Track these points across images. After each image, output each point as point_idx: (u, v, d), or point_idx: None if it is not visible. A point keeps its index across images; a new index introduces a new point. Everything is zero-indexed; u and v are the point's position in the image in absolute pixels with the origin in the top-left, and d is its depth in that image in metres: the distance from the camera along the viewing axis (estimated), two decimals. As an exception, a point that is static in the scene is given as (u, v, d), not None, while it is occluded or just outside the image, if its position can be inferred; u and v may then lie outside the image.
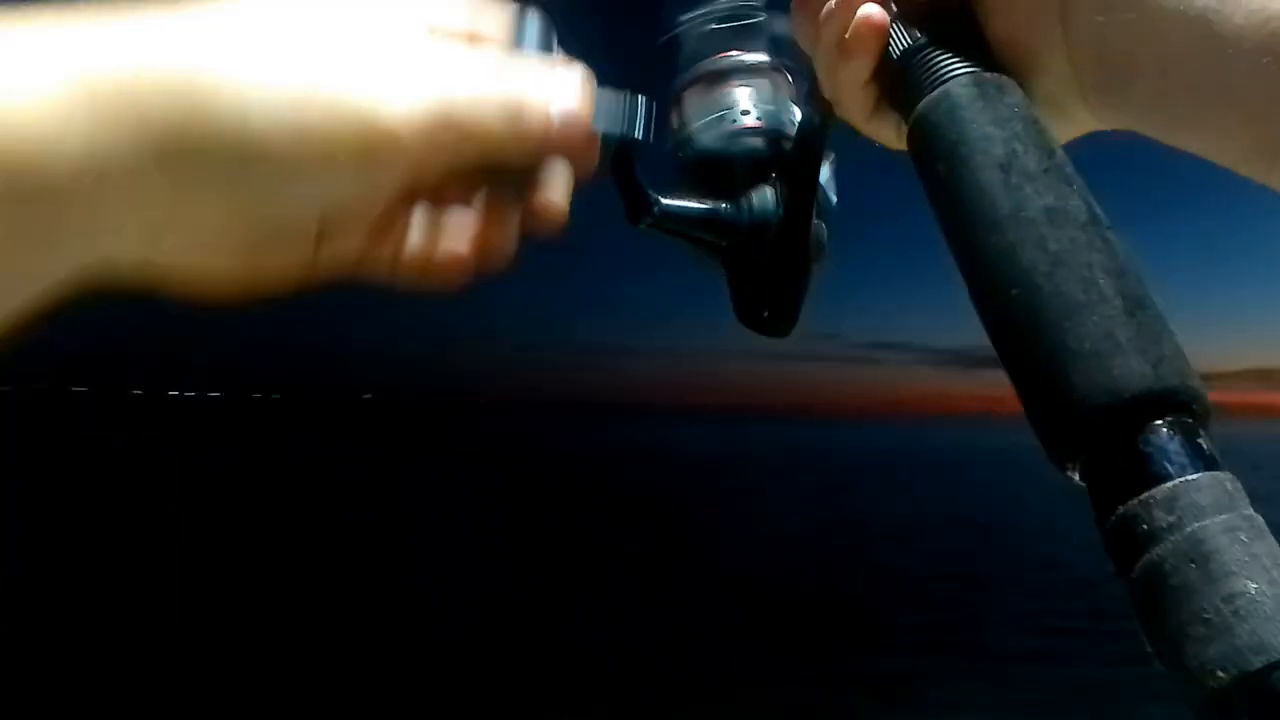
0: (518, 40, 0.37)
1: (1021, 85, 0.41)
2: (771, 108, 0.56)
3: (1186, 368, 0.31)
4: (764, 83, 0.57)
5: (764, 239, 0.52)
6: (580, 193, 0.38)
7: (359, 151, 0.32)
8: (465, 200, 0.37)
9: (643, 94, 0.40)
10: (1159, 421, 0.29)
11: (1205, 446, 0.29)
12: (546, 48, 0.37)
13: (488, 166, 0.36)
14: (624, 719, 5.40)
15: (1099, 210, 0.34)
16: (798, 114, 0.56)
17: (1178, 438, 0.29)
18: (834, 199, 0.56)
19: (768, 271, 0.53)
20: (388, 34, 0.34)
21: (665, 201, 0.52)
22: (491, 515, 13.69)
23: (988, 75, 0.39)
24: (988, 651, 6.54)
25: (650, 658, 6.38)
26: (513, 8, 0.37)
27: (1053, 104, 0.43)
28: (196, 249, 0.33)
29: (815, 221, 0.53)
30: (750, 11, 0.55)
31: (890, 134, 0.45)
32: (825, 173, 0.55)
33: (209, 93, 0.30)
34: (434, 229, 0.36)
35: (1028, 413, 0.33)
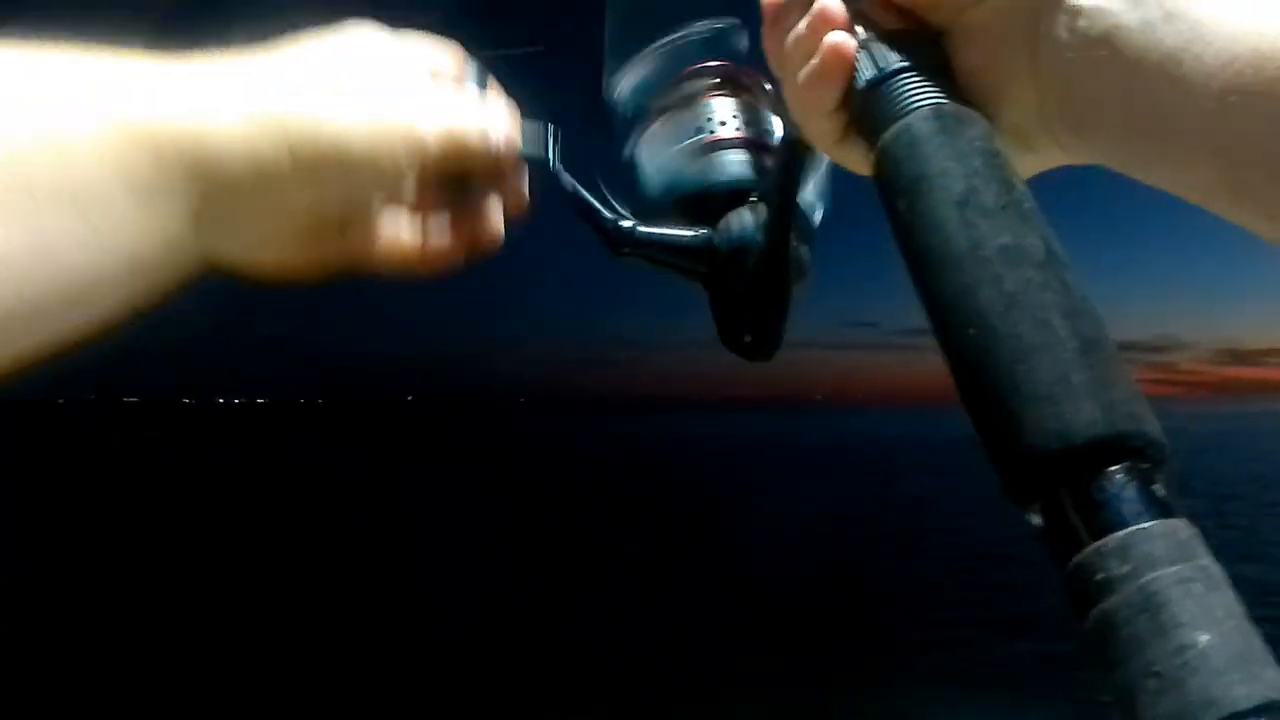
0: (473, 79, 0.51)
1: (988, 117, 0.40)
2: (748, 117, 0.55)
3: (1141, 411, 0.30)
4: (742, 94, 0.56)
5: (744, 263, 0.52)
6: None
7: (404, 154, 0.45)
8: (445, 204, 0.51)
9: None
10: (1113, 468, 0.29)
11: (1160, 493, 0.29)
12: (483, 84, 0.51)
13: (462, 175, 0.50)
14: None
15: (1058, 247, 0.34)
16: (778, 124, 0.56)
17: (1132, 485, 0.29)
18: (818, 218, 0.56)
19: (748, 296, 0.53)
20: (411, 75, 0.48)
21: (642, 229, 0.52)
22: (527, 514, 13.79)
23: (949, 107, 0.39)
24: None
25: (675, 653, 6.42)
26: (465, 57, 0.52)
27: (1019, 136, 0.43)
28: (279, 232, 0.46)
29: (795, 244, 0.53)
30: (726, 30, 0.55)
31: (860, 161, 0.45)
32: (810, 191, 0.55)
33: (321, 113, 0.43)
34: (425, 227, 0.50)
35: (987, 454, 0.32)
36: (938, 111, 0.38)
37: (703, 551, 10.79)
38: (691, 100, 0.56)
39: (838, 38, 0.43)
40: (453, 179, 0.50)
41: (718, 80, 0.56)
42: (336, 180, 0.45)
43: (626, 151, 0.57)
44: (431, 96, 0.48)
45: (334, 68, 0.46)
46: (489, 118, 0.50)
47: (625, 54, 0.57)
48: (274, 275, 0.47)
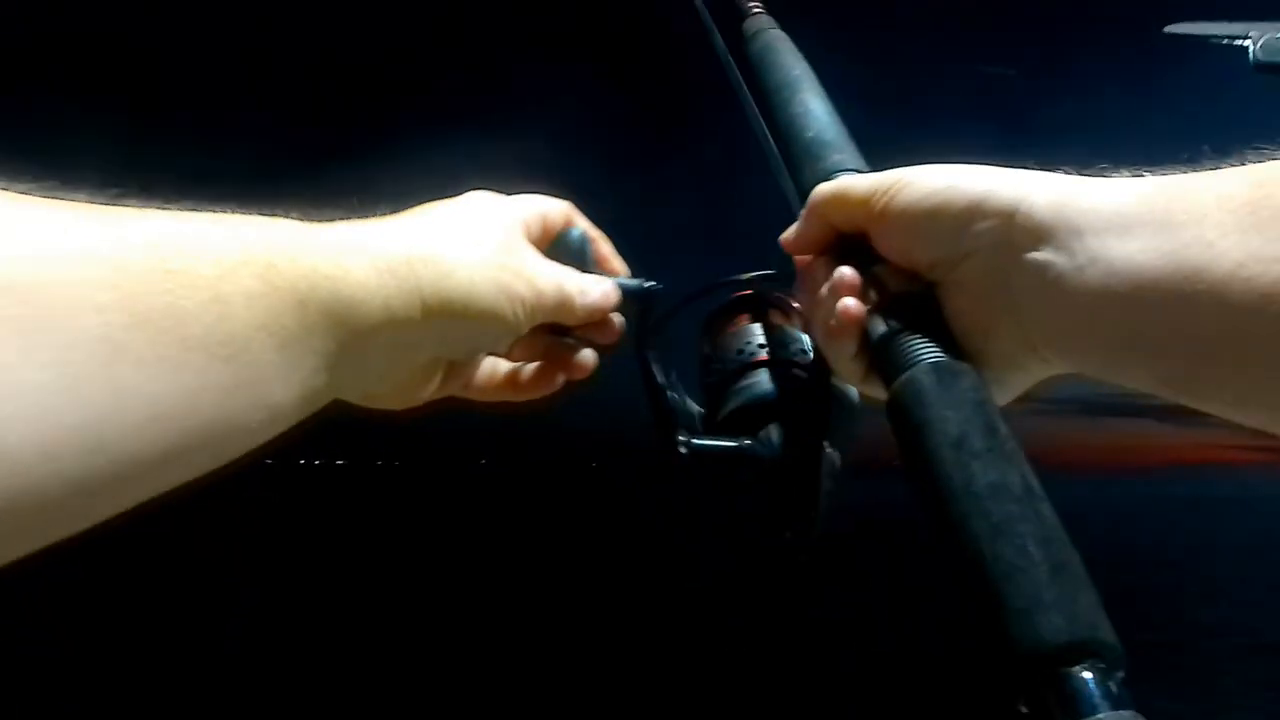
0: (574, 247, 0.60)
1: (981, 352, 0.51)
2: (780, 339, 0.66)
3: (1100, 622, 0.38)
4: (780, 319, 0.67)
5: (782, 470, 0.61)
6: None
7: (520, 312, 0.53)
8: (541, 348, 0.61)
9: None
10: (1076, 667, 0.37)
11: (1113, 689, 0.37)
12: (584, 252, 0.61)
13: (558, 327, 0.59)
14: None
15: (1034, 482, 0.43)
16: (805, 340, 0.66)
17: (1091, 681, 0.37)
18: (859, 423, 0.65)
19: (786, 498, 0.62)
20: (524, 237, 0.56)
21: (696, 441, 0.62)
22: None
23: (945, 363, 0.49)
24: None
25: None
26: (572, 213, 0.62)
27: (1009, 360, 0.52)
28: (400, 374, 0.52)
29: (828, 451, 0.62)
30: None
31: (883, 395, 0.55)
32: (851, 393, 0.64)
33: (451, 272, 0.49)
34: (521, 365, 0.61)
35: (985, 654, 0.41)
36: (936, 367, 0.48)
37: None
38: (735, 324, 0.67)
39: (848, 303, 0.53)
40: (553, 327, 0.59)
41: (760, 307, 0.67)
42: (459, 331, 0.51)
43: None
44: (542, 259, 0.56)
45: (459, 229, 0.52)
46: (590, 282, 0.59)
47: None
48: (384, 407, 0.54)
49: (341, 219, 0.48)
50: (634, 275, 0.65)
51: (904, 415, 0.48)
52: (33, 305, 0.30)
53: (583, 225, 0.63)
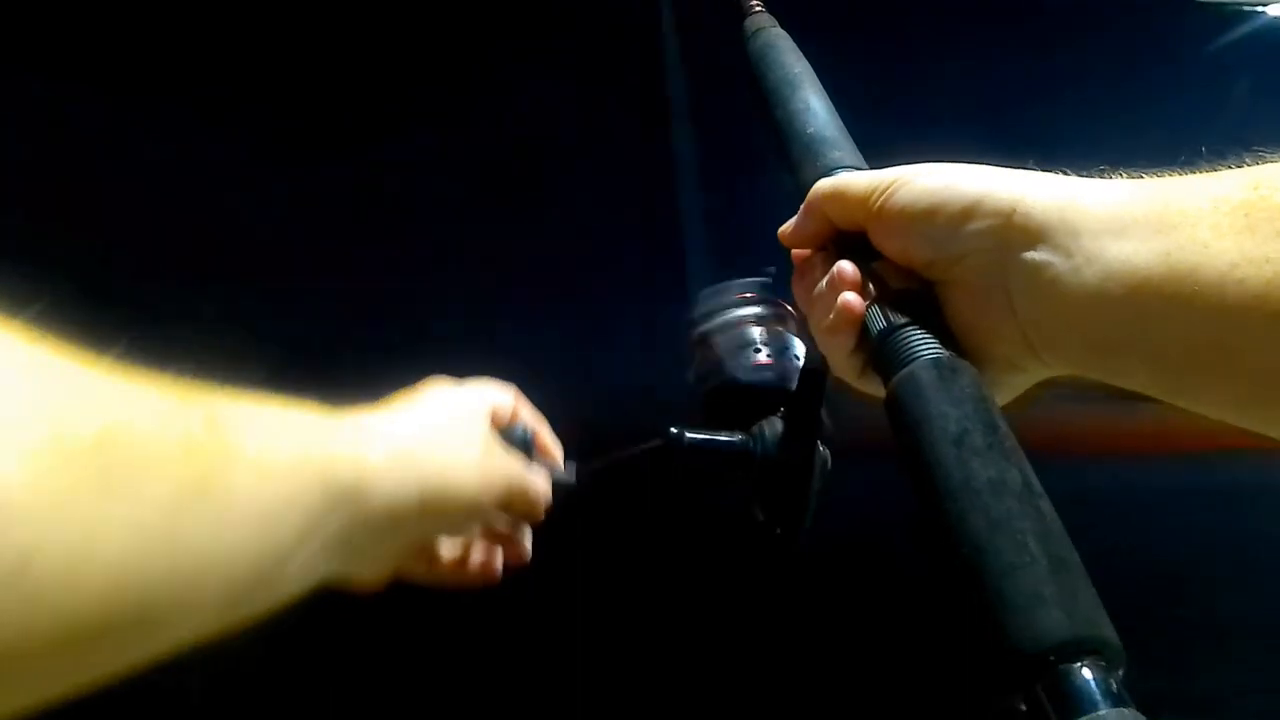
0: (519, 441, 0.66)
1: (979, 352, 0.50)
2: (779, 345, 0.66)
3: (1100, 619, 0.38)
4: (774, 325, 0.67)
5: (774, 465, 0.61)
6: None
7: (493, 502, 0.59)
8: (484, 536, 0.68)
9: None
10: (1076, 664, 0.37)
11: (1114, 686, 0.36)
12: (529, 445, 0.67)
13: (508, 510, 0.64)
14: None
15: (1033, 479, 0.43)
16: (801, 348, 0.66)
17: (1091, 679, 0.36)
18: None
19: (777, 495, 0.62)
20: (483, 425, 0.61)
21: (690, 435, 0.61)
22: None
23: (946, 359, 0.48)
24: None
25: None
26: (515, 418, 0.68)
27: (1008, 361, 0.52)
28: (379, 556, 0.55)
29: (821, 450, 0.62)
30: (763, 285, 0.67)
31: (879, 391, 0.55)
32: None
33: (447, 463, 0.54)
34: (466, 552, 0.66)
35: (979, 653, 0.40)
36: (936, 362, 0.48)
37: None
38: (739, 325, 0.67)
39: (848, 297, 0.53)
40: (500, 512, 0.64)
41: (761, 311, 0.67)
42: (442, 520, 0.56)
43: (690, 375, 0.68)
44: (505, 454, 0.62)
45: (450, 426, 0.57)
46: (538, 474, 0.66)
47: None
48: (347, 586, 0.53)
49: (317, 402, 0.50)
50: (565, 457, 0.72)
51: (903, 411, 0.47)
52: (117, 463, 0.32)
53: (526, 416, 0.69)
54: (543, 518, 0.68)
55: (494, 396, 0.66)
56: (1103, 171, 0.49)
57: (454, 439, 0.56)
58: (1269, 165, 0.44)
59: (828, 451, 0.63)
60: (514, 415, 0.68)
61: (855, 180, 0.56)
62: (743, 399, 0.64)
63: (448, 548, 0.66)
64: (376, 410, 0.55)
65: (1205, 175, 0.45)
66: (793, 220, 0.60)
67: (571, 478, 0.71)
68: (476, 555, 0.67)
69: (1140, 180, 0.47)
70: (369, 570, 0.56)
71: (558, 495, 0.68)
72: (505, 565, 0.68)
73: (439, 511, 0.54)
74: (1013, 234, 0.49)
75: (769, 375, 0.64)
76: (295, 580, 0.43)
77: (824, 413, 0.63)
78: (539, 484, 0.65)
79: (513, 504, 0.62)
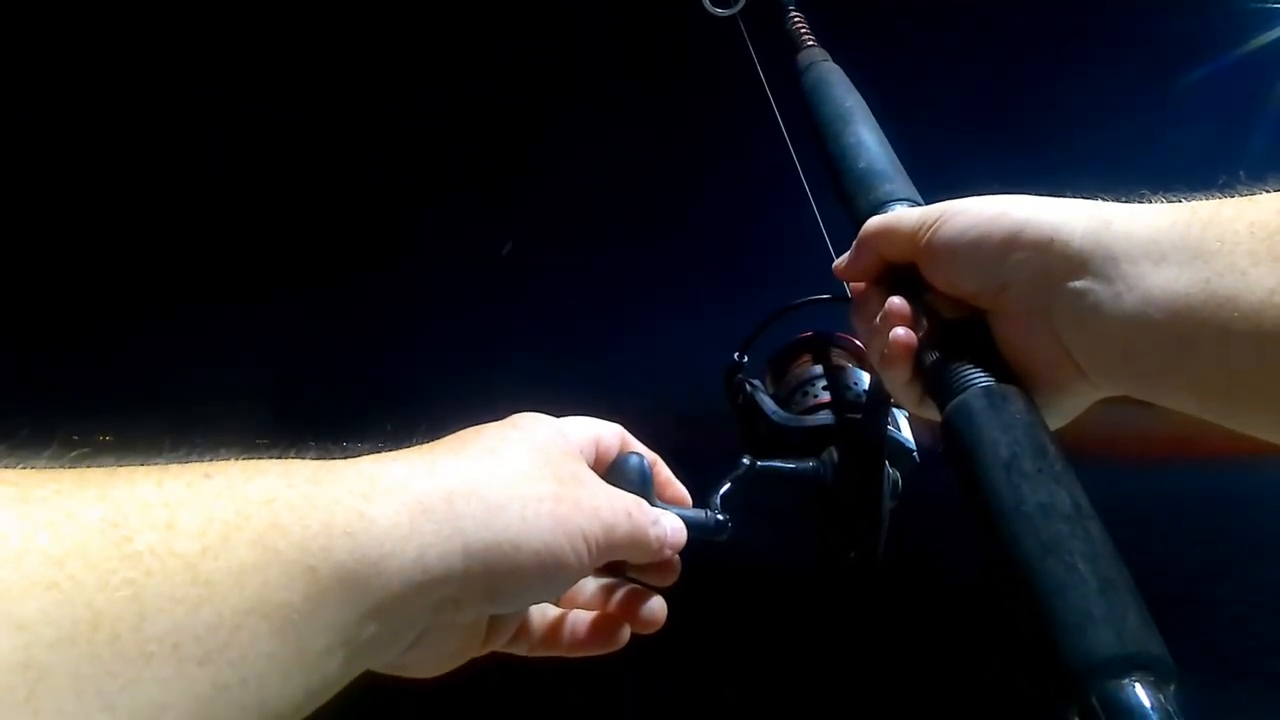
0: (635, 475, 0.52)
1: (1031, 378, 0.52)
2: (840, 379, 0.68)
3: (1148, 635, 0.40)
4: (838, 357, 0.70)
5: (846, 488, 0.64)
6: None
7: (585, 550, 0.44)
8: (595, 594, 0.53)
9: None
10: (1125, 680, 0.39)
11: (1163, 700, 0.38)
12: (646, 479, 0.52)
13: (611, 567, 0.52)
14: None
15: (1084, 501, 0.45)
16: (865, 379, 0.69)
17: (1140, 694, 0.38)
18: (914, 445, 0.68)
19: (849, 519, 0.64)
20: (575, 460, 0.48)
21: (761, 463, 0.64)
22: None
23: (996, 387, 0.50)
24: None
25: None
26: (628, 453, 0.53)
27: (1056, 385, 0.53)
28: (439, 639, 0.43)
29: (890, 471, 0.64)
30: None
31: (938, 418, 0.57)
32: (905, 425, 0.67)
33: (498, 505, 0.41)
34: (572, 614, 0.52)
35: (1035, 669, 0.42)
36: (987, 391, 0.50)
37: None
38: (796, 365, 0.70)
39: (899, 333, 0.55)
40: (606, 568, 0.50)
41: (818, 349, 0.70)
42: (509, 581, 0.41)
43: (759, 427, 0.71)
44: (605, 485, 0.48)
45: (506, 457, 0.44)
46: (661, 513, 0.51)
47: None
48: (418, 676, 0.45)
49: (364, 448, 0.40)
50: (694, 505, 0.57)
51: (956, 438, 0.50)
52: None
53: (640, 449, 0.54)
54: (673, 578, 0.53)
55: (590, 428, 0.52)
56: (1142, 195, 0.50)
57: (513, 474, 0.43)
58: None
59: (897, 473, 0.65)
60: (623, 445, 0.54)
61: (904, 216, 0.58)
62: (810, 438, 0.66)
63: (539, 613, 0.52)
64: (410, 450, 0.43)
65: (1242, 199, 0.46)
66: (846, 255, 0.62)
67: (714, 517, 0.55)
68: (582, 624, 0.52)
69: (1177, 204, 0.48)
70: (422, 657, 0.43)
71: (695, 538, 0.53)
72: (636, 628, 0.53)
73: (499, 572, 0.41)
74: (1053, 262, 0.50)
75: (829, 417, 0.66)
76: (301, 699, 0.34)
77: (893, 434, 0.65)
78: (662, 525, 0.50)
79: (631, 551, 0.48)
